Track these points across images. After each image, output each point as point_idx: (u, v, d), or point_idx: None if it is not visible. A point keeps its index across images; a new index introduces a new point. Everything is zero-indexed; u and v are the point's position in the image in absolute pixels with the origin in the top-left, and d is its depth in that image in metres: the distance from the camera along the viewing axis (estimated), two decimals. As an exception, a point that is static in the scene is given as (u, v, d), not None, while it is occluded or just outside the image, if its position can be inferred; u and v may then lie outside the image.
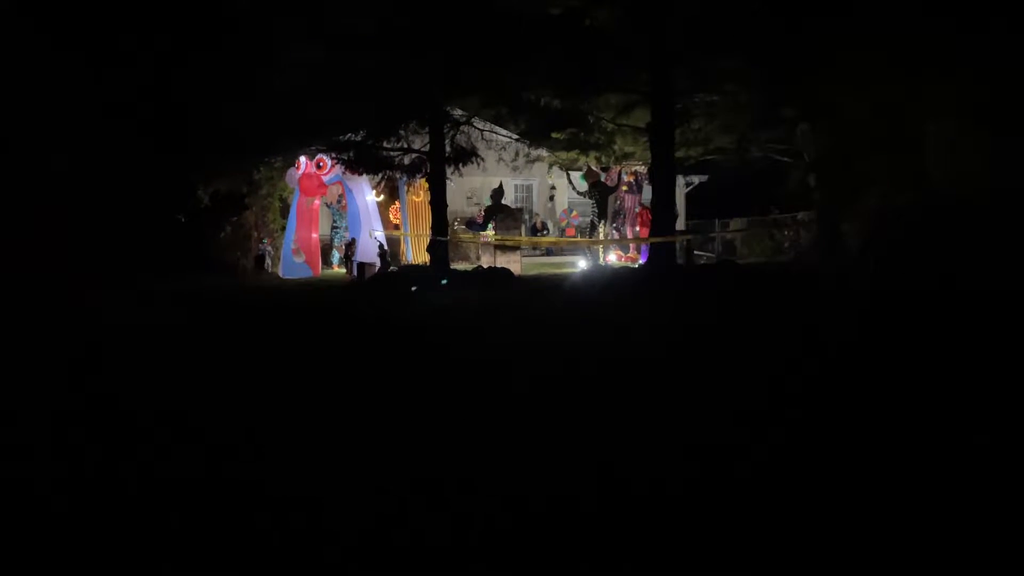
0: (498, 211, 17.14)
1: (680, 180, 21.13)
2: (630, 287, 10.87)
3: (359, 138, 14.07)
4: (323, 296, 13.05)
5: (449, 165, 14.03)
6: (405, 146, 14.16)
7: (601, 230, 18.51)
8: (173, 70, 15.06)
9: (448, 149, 13.91)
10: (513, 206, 20.23)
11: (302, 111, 13.43)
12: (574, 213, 25.92)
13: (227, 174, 16.24)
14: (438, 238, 14.91)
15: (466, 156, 13.69)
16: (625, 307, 8.93)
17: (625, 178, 19.18)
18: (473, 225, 18.50)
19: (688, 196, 26.19)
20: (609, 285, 11.46)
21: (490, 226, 17.35)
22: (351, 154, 13.71)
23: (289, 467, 3.83)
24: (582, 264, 19.13)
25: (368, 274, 16.32)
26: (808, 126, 13.82)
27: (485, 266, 16.27)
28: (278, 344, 7.66)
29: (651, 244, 13.42)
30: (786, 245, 23.79)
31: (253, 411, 4.95)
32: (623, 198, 21.70)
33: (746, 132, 15.07)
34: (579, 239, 18.41)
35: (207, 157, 15.58)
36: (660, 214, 12.95)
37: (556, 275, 16.42)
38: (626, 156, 16.72)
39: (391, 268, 16.66)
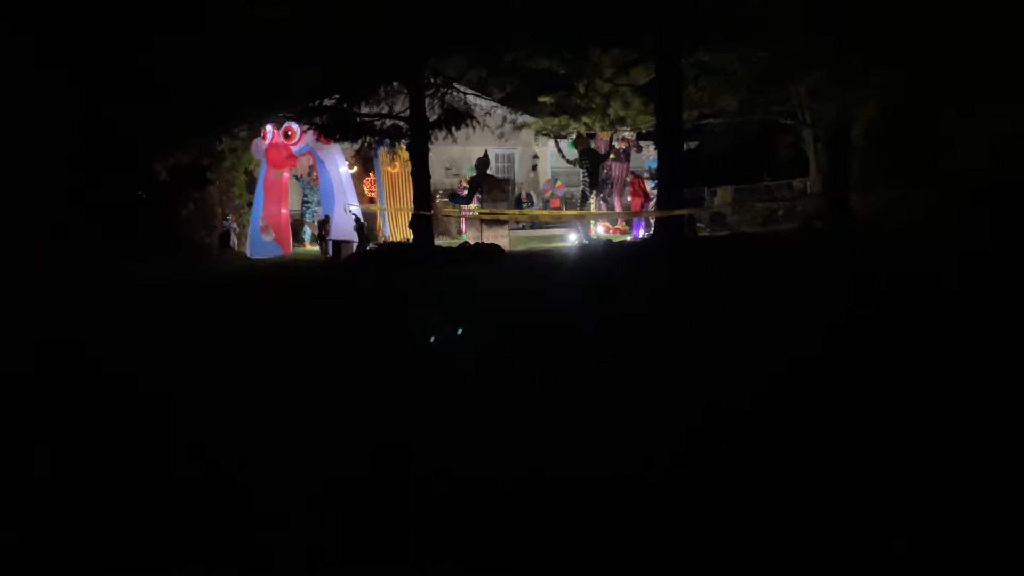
0: (484, 182, 15.91)
1: (651, 148, 20.06)
2: (640, 266, 9.79)
3: (332, 104, 12.71)
4: (294, 279, 11.79)
5: (440, 129, 12.74)
6: (385, 110, 12.82)
7: (592, 200, 17.39)
8: (126, 29, 13.54)
9: (438, 112, 12.61)
10: (500, 176, 18.99)
11: (269, 75, 12.02)
12: (559, 183, 24.76)
13: (187, 145, 14.75)
14: (421, 212, 13.67)
15: (459, 118, 12.42)
16: (651, 292, 7.79)
17: (616, 145, 18.03)
18: (457, 198, 17.26)
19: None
20: (614, 264, 10.38)
21: (475, 198, 16.11)
22: (324, 118, 12.34)
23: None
24: (572, 237, 18.02)
25: (345, 253, 15.05)
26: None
27: (472, 242, 15.10)
28: (238, 349, 6.49)
29: (657, 217, 12.32)
30: (779, 213, 22.93)
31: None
32: (610, 167, 20.53)
33: (754, 92, 13.95)
34: (572, 212, 17.27)
35: (164, 126, 14.10)
36: (668, 184, 11.82)
37: (548, 250, 15.30)
38: (620, 120, 15.57)
39: (369, 245, 15.41)
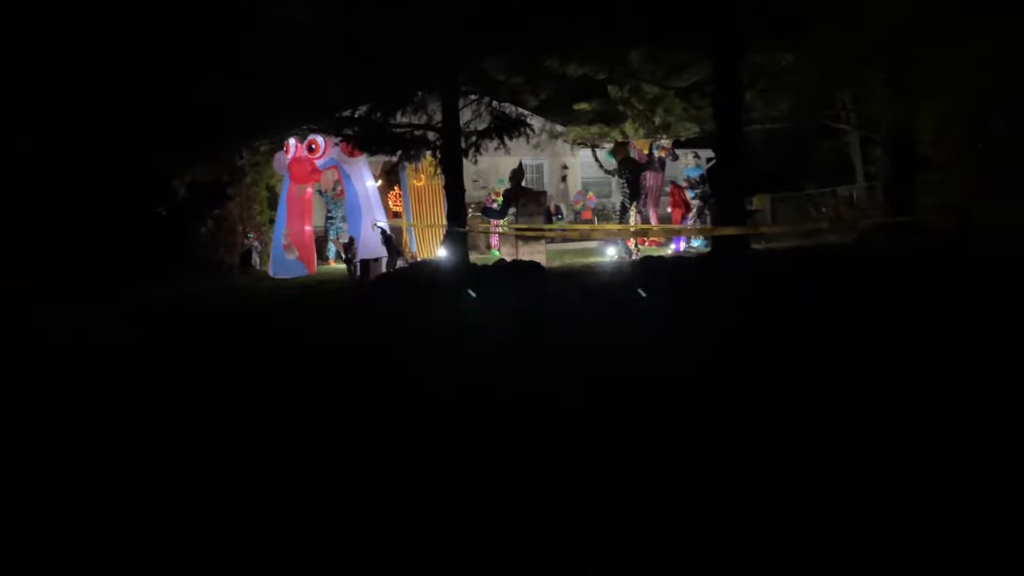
0: (519, 195, 14.95)
1: (691, 156, 19.03)
2: (718, 288, 8.75)
3: (361, 113, 11.81)
4: (321, 309, 10.87)
5: (491, 138, 11.75)
6: (423, 119, 11.88)
7: (632, 212, 16.37)
8: (140, 39, 12.78)
9: (487, 120, 11.66)
10: (534, 188, 17.99)
11: (294, 82, 11.15)
12: (590, 194, 23.81)
13: (206, 161, 13.92)
14: (456, 229, 12.73)
15: (511, 126, 11.46)
16: (762, 325, 6.63)
17: (656, 153, 17.03)
18: (490, 212, 16.31)
19: (709, 172, 24.09)
20: (681, 285, 9.36)
21: (510, 212, 15.15)
22: (356, 129, 11.43)
23: None
24: (611, 252, 17.03)
25: (373, 273, 14.13)
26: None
27: (507, 258, 14.15)
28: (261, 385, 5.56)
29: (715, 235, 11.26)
30: (823, 224, 21.81)
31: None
32: (645, 176, 19.54)
33: (819, 93, 12.88)
34: (616, 226, 16.22)
35: (182, 141, 13.29)
36: (729, 196, 10.78)
37: (591, 267, 14.31)
38: (665, 127, 14.59)
39: (399, 262, 14.48)
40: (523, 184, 15.57)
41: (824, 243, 15.78)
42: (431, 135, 11.82)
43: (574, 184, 24.08)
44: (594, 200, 23.47)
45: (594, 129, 14.41)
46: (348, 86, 11.26)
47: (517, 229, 14.55)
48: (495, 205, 20.16)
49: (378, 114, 11.29)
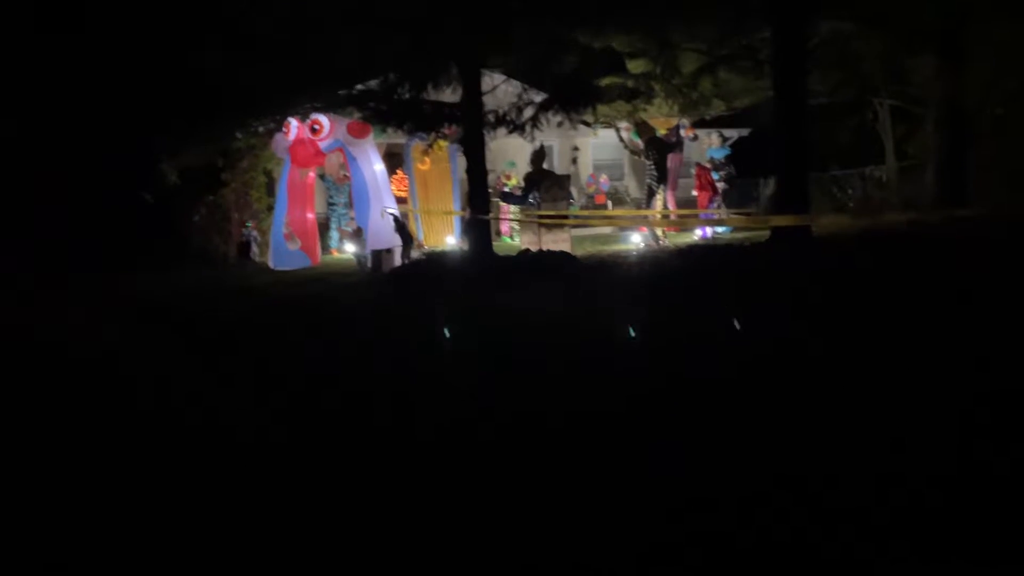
0: (543, 179, 13.76)
1: (715, 136, 17.87)
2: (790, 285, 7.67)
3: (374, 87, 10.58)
4: (331, 308, 9.70)
5: (554, 112, 10.52)
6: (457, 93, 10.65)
7: (660, 196, 15.24)
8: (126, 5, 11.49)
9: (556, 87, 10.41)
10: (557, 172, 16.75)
11: (300, 53, 9.91)
12: (603, 177, 22.66)
13: (201, 142, 12.65)
14: (479, 216, 11.57)
15: (583, 99, 10.21)
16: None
17: (684, 133, 15.89)
18: (510, 198, 15.11)
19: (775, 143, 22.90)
20: (748, 283, 8.26)
21: (531, 198, 13.94)
22: (382, 104, 10.21)
23: None
24: (636, 239, 15.92)
25: (386, 265, 12.97)
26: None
27: (529, 247, 13.02)
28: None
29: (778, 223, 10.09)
30: (850, 205, 20.76)
31: None
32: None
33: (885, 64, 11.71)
34: (649, 211, 15.08)
35: (173, 119, 12.03)
36: (790, 180, 9.65)
37: (623, 257, 13.23)
38: (703, 102, 13.43)
39: (413, 251, 13.31)
40: (545, 167, 14.39)
41: (875, 228, 14.71)
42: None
43: (585, 166, 22.91)
44: (607, 183, 22.33)
45: (623, 107, 13.18)
46: (361, 56, 10.02)
47: (541, 216, 13.39)
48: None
49: (406, 87, 10.07)
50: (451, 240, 18.50)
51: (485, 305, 7.80)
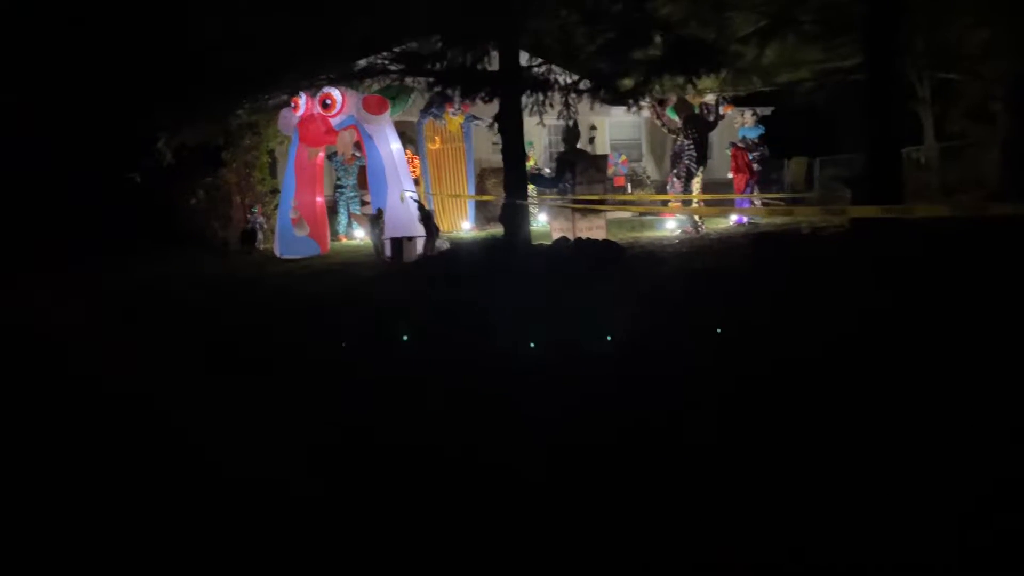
0: (577, 159, 12.58)
1: (748, 114, 16.70)
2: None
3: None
4: (376, 300, 8.51)
5: (671, 74, 9.30)
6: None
7: (698, 178, 14.10)
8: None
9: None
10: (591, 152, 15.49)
11: (319, 17, 8.65)
12: (623, 158, 21.49)
13: (200, 119, 11.36)
14: (516, 201, 10.40)
15: (706, 60, 8.97)
16: None
17: (723, 110, 14.71)
18: (541, 180, 13.92)
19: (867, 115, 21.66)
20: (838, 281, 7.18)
21: (564, 181, 12.75)
22: (443, 65, 8.95)
23: None
24: (671, 226, 14.82)
25: (408, 254, 11.79)
26: None
27: (564, 235, 11.87)
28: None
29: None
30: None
31: None
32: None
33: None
34: (696, 196, 13.89)
35: (172, 96, 10.74)
36: (880, 161, 8.50)
37: (667, 244, 12.15)
38: (756, 72, 12.23)
39: (439, 242, 12.13)
40: (578, 146, 13.21)
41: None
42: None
43: (603, 147, 21.71)
44: (627, 164, 21.16)
45: (671, 82, 11.92)
46: (392, 18, 8.75)
47: (575, 201, 12.22)
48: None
49: (461, 52, 8.83)
50: (466, 226, 17.33)
51: (562, 308, 6.64)
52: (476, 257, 10.32)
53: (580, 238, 11.37)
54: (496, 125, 10.05)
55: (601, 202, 12.66)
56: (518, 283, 7.79)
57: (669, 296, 7.19)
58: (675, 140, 17.95)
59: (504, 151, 10.59)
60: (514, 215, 10.46)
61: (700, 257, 9.99)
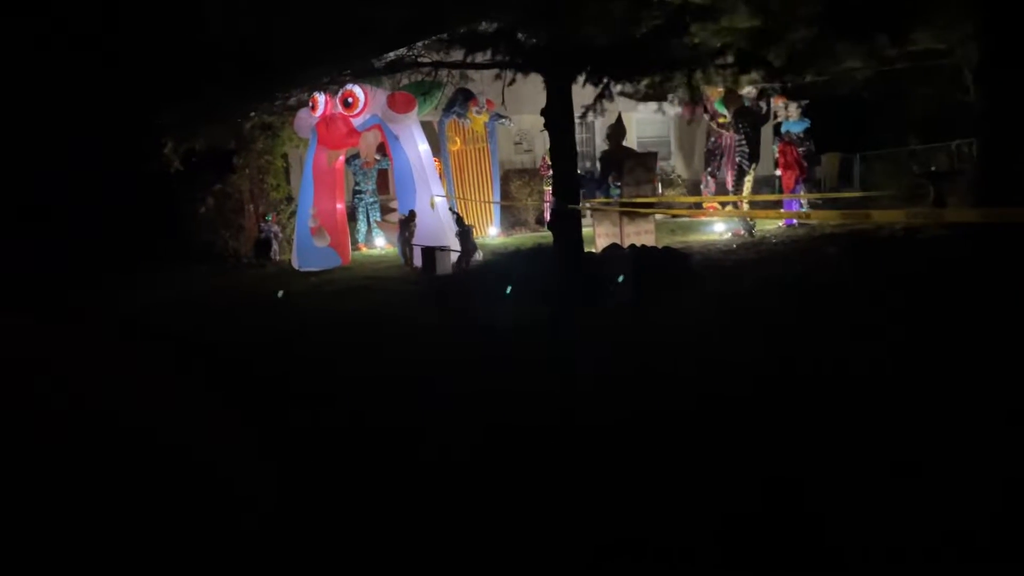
0: (625, 158, 11.47)
1: (793, 107, 15.54)
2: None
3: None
4: (418, 326, 7.41)
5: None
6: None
7: (750, 176, 13.02)
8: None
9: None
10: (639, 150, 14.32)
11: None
12: (653, 156, 20.33)
13: (211, 122, 10.26)
14: (570, 206, 9.28)
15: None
16: None
17: (773, 103, 13.63)
18: (586, 181, 12.81)
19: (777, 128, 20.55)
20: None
21: (610, 182, 11.63)
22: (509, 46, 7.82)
23: None
24: (720, 228, 13.72)
25: (440, 267, 10.70)
26: None
27: (610, 241, 10.79)
28: None
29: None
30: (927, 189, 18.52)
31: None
32: (720, 133, 16.19)
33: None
34: (763, 196, 12.80)
35: (184, 101, 9.64)
36: (1004, 159, 7.34)
37: (725, 250, 11.06)
38: (810, 62, 11.07)
39: (475, 254, 11.04)
40: (624, 143, 12.12)
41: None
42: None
43: (629, 144, 20.54)
44: (658, 164, 20.00)
45: (715, 74, 10.76)
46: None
47: (623, 203, 11.12)
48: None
49: (544, 26, 7.68)
50: (492, 231, 16.26)
51: (654, 340, 5.53)
52: (524, 269, 9.20)
53: (635, 246, 10.26)
54: (514, 123, 8.89)
55: (650, 205, 11.57)
56: (582, 299, 6.70)
57: (762, 314, 6.09)
58: (709, 137, 16.91)
59: (552, 150, 9.50)
60: (565, 222, 9.34)
61: (780, 265, 8.88)
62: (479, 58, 8.54)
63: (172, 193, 13.70)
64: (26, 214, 13.68)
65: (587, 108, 8.96)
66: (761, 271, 8.62)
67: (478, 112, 15.80)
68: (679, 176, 20.49)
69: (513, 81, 8.81)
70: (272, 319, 8.22)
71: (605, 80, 8.57)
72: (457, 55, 9.44)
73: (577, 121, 9.20)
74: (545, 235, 15.92)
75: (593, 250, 10.73)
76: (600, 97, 8.80)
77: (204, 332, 7.56)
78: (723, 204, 15.47)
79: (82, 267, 12.84)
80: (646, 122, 21.24)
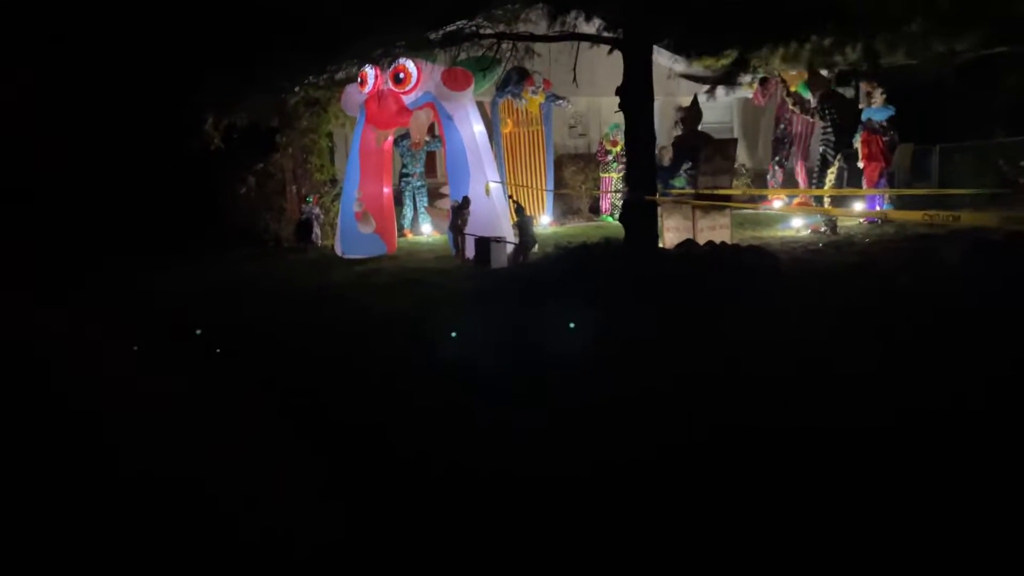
0: (702, 145, 10.41)
1: (878, 93, 14.24)
2: None
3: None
4: (491, 326, 6.52)
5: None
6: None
7: (834, 168, 11.86)
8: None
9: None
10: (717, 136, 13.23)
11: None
12: (715, 144, 19.17)
13: (256, 96, 9.45)
14: (645, 197, 8.29)
15: None
16: None
17: (864, 87, 12.42)
18: (660, 171, 11.74)
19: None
20: None
21: (683, 173, 10.58)
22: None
23: None
24: (797, 224, 12.59)
25: (496, 260, 9.79)
26: None
27: (690, 237, 9.78)
28: None
29: None
30: (1022, 180, 17.09)
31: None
32: (790, 120, 14.98)
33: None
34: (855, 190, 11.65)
35: (227, 73, 8.82)
36: None
37: (811, 248, 9.99)
38: (915, 42, 9.93)
39: (533, 247, 10.10)
40: (700, 128, 11.05)
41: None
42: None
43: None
44: (718, 151, 18.81)
45: (802, 51, 9.67)
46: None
47: (699, 194, 10.07)
48: (611, 156, 15.75)
49: None
50: (544, 220, 15.31)
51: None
52: (579, 272, 8.21)
53: (713, 243, 9.27)
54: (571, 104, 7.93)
55: (728, 197, 10.51)
56: (675, 303, 5.75)
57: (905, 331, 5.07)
58: (778, 123, 15.72)
59: (628, 134, 8.52)
60: (640, 214, 8.36)
61: (888, 271, 7.79)
62: (556, 28, 7.61)
63: (210, 173, 12.99)
64: (55, 196, 13.08)
65: (715, 80, 8.06)
66: (867, 278, 7.55)
67: (534, 92, 14.83)
68: (743, 165, 19.25)
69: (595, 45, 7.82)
70: (328, 318, 7.40)
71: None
72: (529, 26, 8.51)
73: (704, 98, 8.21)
74: (601, 226, 14.97)
75: (662, 245, 9.78)
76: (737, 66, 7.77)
77: (259, 328, 6.76)
78: (790, 197, 14.32)
79: (111, 251, 12.19)
80: (707, 106, 19.96)
